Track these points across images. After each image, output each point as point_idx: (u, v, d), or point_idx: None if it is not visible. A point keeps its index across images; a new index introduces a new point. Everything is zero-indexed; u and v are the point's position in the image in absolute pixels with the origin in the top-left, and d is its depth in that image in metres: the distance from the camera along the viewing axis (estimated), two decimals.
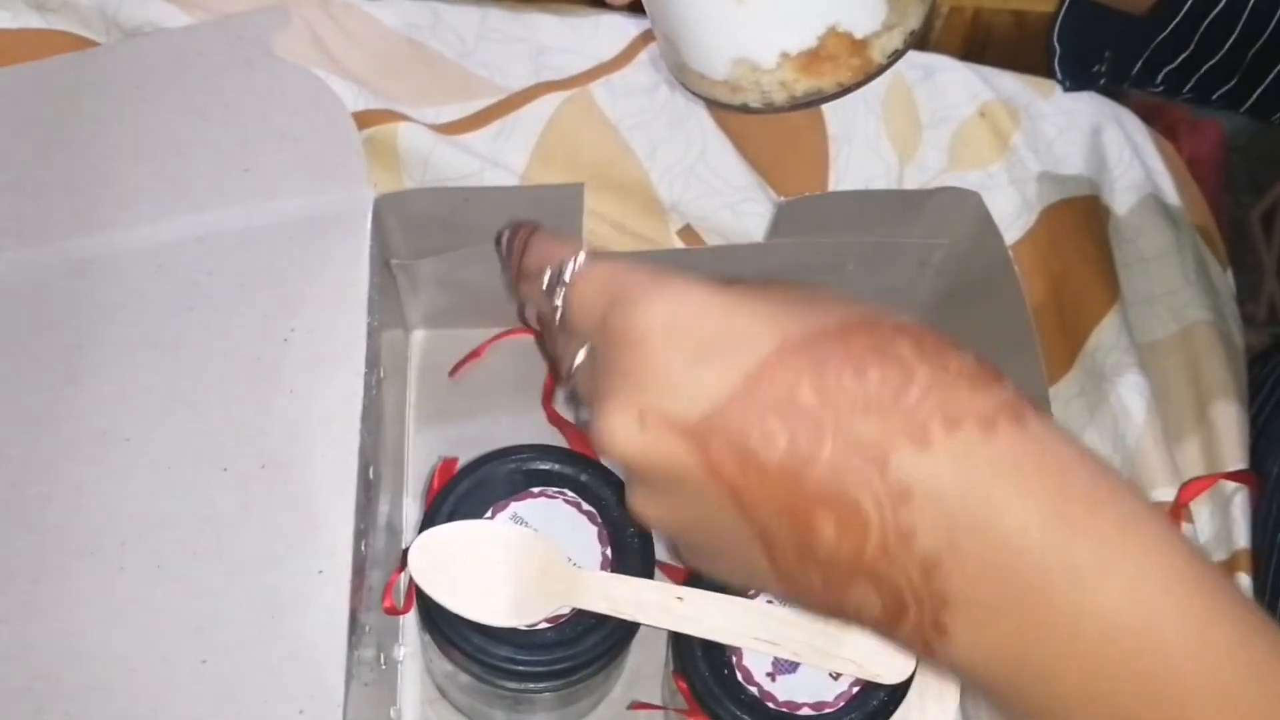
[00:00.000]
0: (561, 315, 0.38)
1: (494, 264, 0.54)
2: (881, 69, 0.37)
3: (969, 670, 0.33)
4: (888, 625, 0.33)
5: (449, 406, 0.58)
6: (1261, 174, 1.22)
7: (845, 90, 0.37)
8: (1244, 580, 0.54)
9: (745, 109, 0.39)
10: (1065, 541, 0.30)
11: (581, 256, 0.38)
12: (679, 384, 0.33)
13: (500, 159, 0.60)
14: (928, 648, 0.33)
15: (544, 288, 0.38)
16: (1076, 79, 0.64)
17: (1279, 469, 0.55)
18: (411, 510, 0.56)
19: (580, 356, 0.38)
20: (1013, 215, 0.62)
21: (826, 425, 0.31)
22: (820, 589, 0.33)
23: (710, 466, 0.33)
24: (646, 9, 0.40)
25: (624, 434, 0.34)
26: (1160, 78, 0.59)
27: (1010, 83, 0.65)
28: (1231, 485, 0.55)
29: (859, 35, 0.36)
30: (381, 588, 0.49)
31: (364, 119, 0.59)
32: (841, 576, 0.33)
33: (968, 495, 0.31)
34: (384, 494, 0.51)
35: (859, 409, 0.31)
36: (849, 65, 0.37)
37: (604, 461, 0.48)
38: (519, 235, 0.43)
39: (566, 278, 0.38)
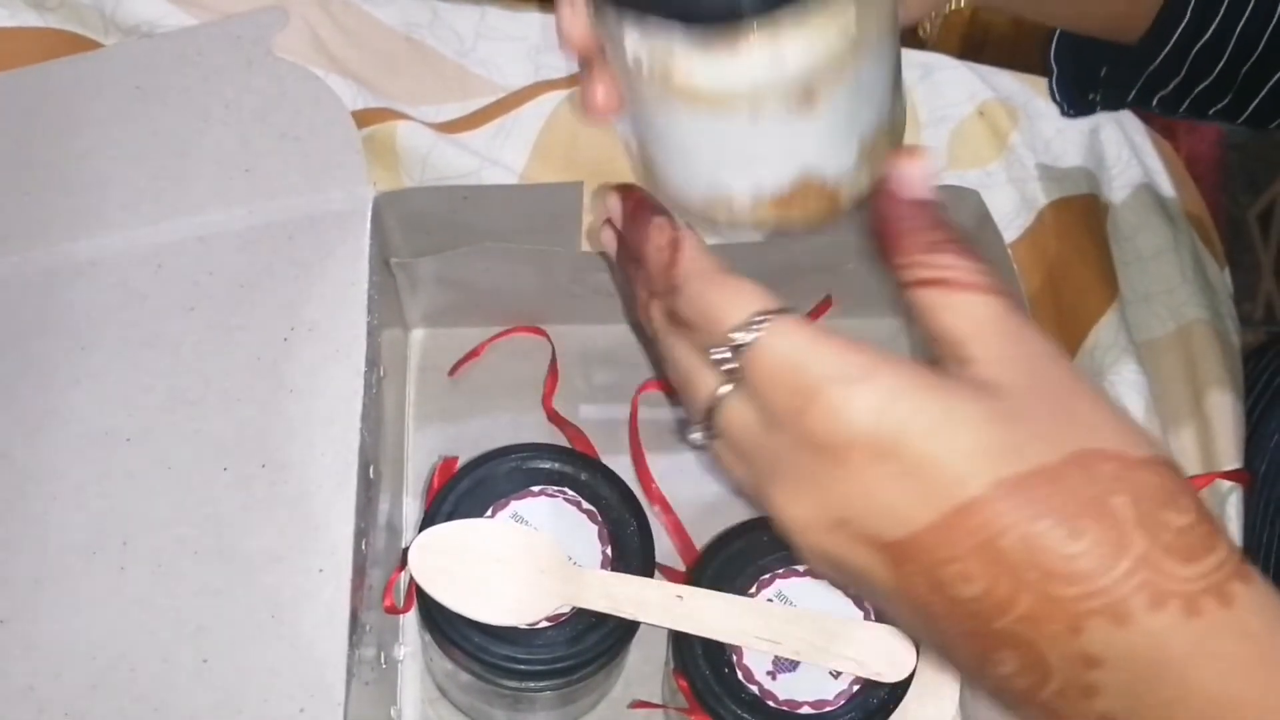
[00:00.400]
0: (732, 385, 0.35)
1: (492, 263, 0.54)
2: (850, 210, 0.38)
3: None
4: None
5: (448, 406, 0.58)
6: (1259, 173, 1.22)
7: (813, 228, 0.39)
8: None
9: (713, 225, 0.40)
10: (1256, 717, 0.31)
11: (763, 328, 0.33)
12: (882, 504, 0.32)
13: (499, 158, 0.60)
14: None
15: (709, 350, 0.35)
16: (1074, 105, 0.64)
17: (1265, 466, 0.55)
18: (411, 510, 0.56)
19: (739, 410, 0.35)
20: (1011, 213, 0.62)
21: (1026, 581, 0.31)
22: (989, 692, 0.34)
23: (901, 583, 0.33)
24: (624, 125, 0.39)
25: (815, 535, 0.34)
26: (1155, 101, 0.59)
27: (1008, 81, 0.65)
28: (1227, 485, 0.55)
29: (830, 181, 0.37)
30: (382, 587, 0.49)
31: (363, 118, 0.59)
32: (1014, 700, 0.33)
33: (1161, 674, 0.31)
34: (384, 493, 0.51)
35: (1062, 574, 0.31)
36: (819, 207, 0.38)
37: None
38: (656, 237, 0.38)
39: (745, 345, 0.34)
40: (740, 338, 0.34)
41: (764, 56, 0.33)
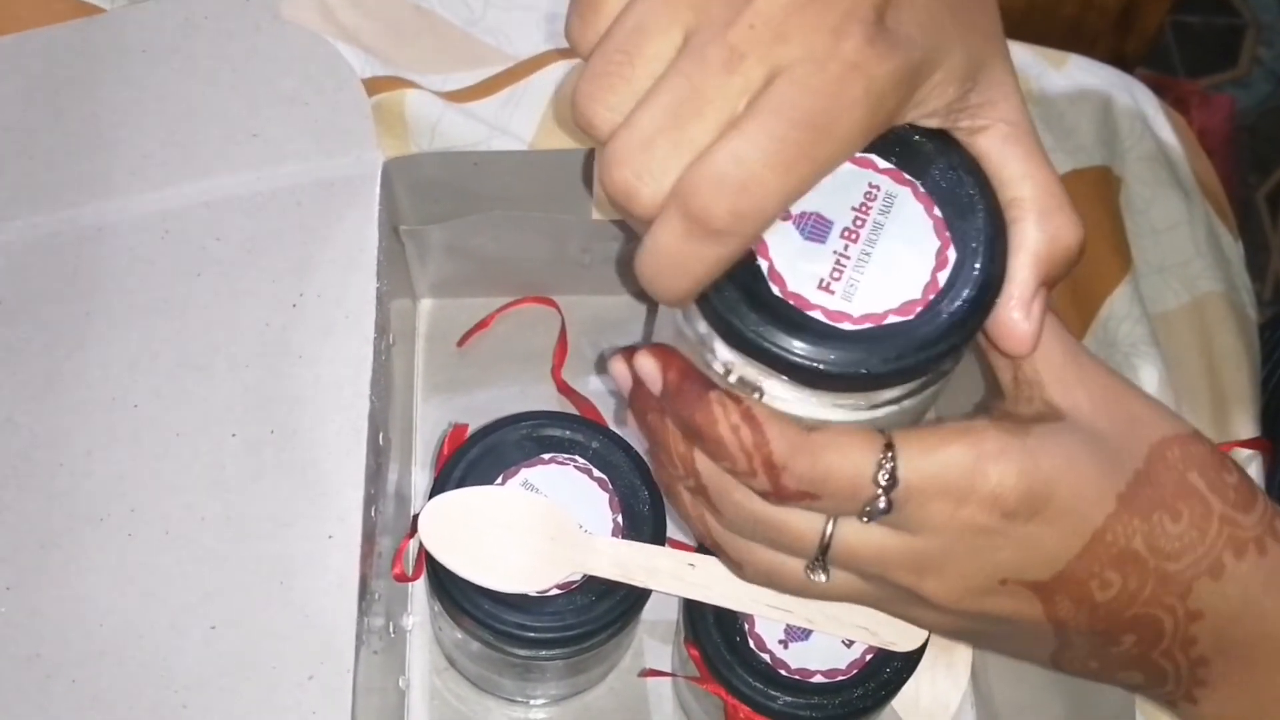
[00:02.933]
0: (884, 516, 0.35)
1: (502, 231, 0.53)
2: None
3: None
4: (1138, 690, 0.40)
5: (457, 376, 0.58)
6: (1269, 154, 1.22)
7: None
8: None
9: None
10: None
11: (897, 464, 0.34)
12: (1037, 554, 0.36)
13: (508, 126, 0.59)
14: (1173, 708, 0.40)
15: (858, 506, 0.35)
16: None
17: None
18: (420, 479, 0.56)
19: (867, 536, 0.36)
20: None
21: (1150, 570, 0.36)
22: (1090, 672, 0.39)
23: (1049, 611, 0.37)
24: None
25: (971, 602, 0.37)
26: None
27: (1021, 53, 0.64)
28: (1246, 453, 0.55)
29: None
30: (391, 555, 0.49)
31: (371, 86, 0.58)
32: (1119, 667, 0.38)
33: (1244, 611, 0.37)
34: (393, 461, 0.51)
35: (1174, 551, 0.36)
36: None
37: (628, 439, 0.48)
38: (725, 415, 0.35)
39: (896, 481, 0.34)
40: (885, 482, 0.34)
41: (857, 407, 0.35)
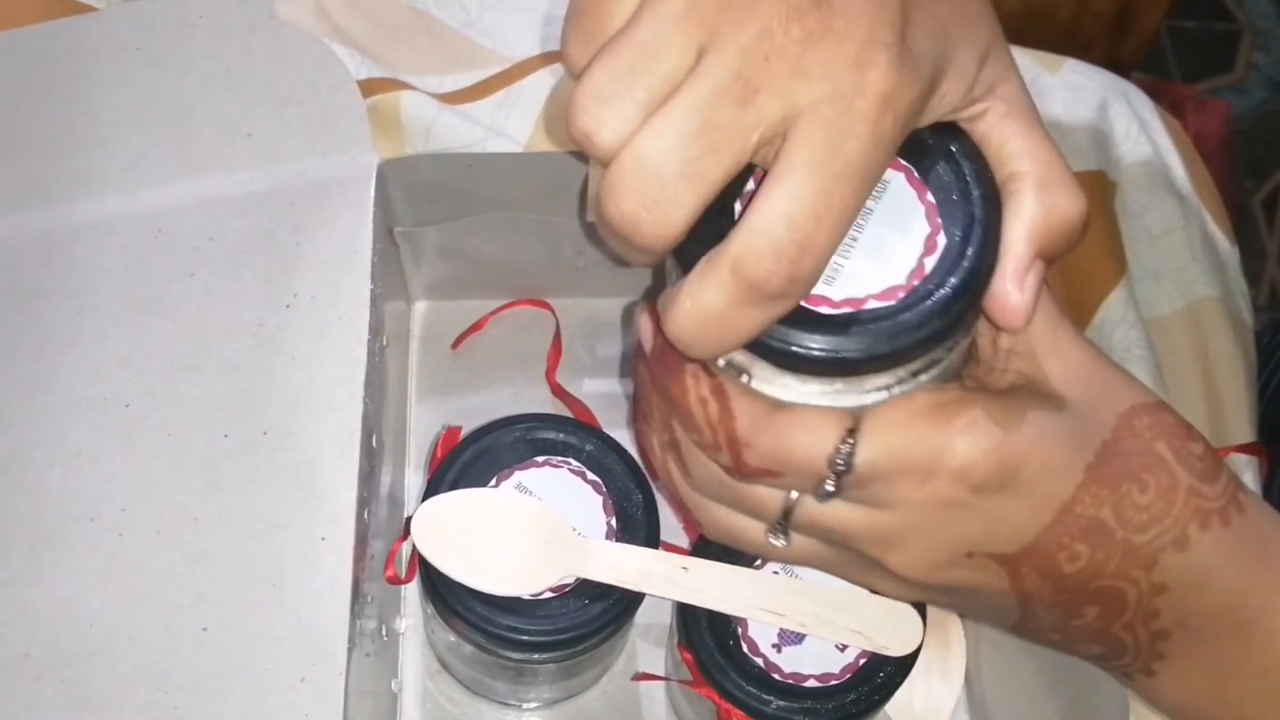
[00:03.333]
0: (837, 489, 0.35)
1: (497, 234, 0.53)
2: None
3: (1170, 700, 0.39)
4: (1095, 661, 0.39)
5: (451, 379, 0.58)
6: (1265, 159, 1.22)
7: None
8: None
9: None
10: (1265, 602, 0.37)
11: (859, 444, 0.34)
12: (1004, 526, 0.35)
13: (504, 129, 0.59)
14: (1129, 680, 0.40)
15: (817, 483, 0.35)
16: None
17: None
18: (413, 482, 0.55)
19: (831, 509, 0.36)
20: None
21: (1118, 541, 0.36)
22: (1050, 643, 0.39)
23: (1015, 583, 0.36)
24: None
25: (937, 574, 0.37)
26: None
27: (1017, 57, 0.64)
28: (1243, 459, 0.55)
29: None
30: (383, 557, 0.48)
31: (366, 87, 0.58)
32: (1079, 639, 0.38)
33: (1207, 583, 0.36)
34: (386, 464, 0.51)
35: (1142, 523, 0.36)
36: None
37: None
38: (695, 387, 0.35)
39: (851, 465, 0.34)
40: (843, 465, 0.34)
41: (846, 393, 0.35)
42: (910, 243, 0.34)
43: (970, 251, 0.33)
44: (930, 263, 0.34)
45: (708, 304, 0.31)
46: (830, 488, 0.34)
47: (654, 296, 0.36)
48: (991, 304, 0.35)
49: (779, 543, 0.38)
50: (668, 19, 0.30)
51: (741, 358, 0.34)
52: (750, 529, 0.38)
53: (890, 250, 0.34)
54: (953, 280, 0.33)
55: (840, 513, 0.36)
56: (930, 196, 0.34)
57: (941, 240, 0.34)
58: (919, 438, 0.34)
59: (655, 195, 0.30)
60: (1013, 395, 0.35)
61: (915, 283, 0.33)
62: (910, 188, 0.34)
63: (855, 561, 0.38)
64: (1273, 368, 0.60)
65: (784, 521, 0.37)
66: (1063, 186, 0.34)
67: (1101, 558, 0.36)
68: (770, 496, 0.36)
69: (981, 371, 0.37)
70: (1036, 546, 0.35)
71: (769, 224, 0.30)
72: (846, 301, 0.33)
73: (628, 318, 0.59)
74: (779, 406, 0.35)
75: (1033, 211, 0.34)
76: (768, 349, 0.33)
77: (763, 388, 0.35)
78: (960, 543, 0.36)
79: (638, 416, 0.40)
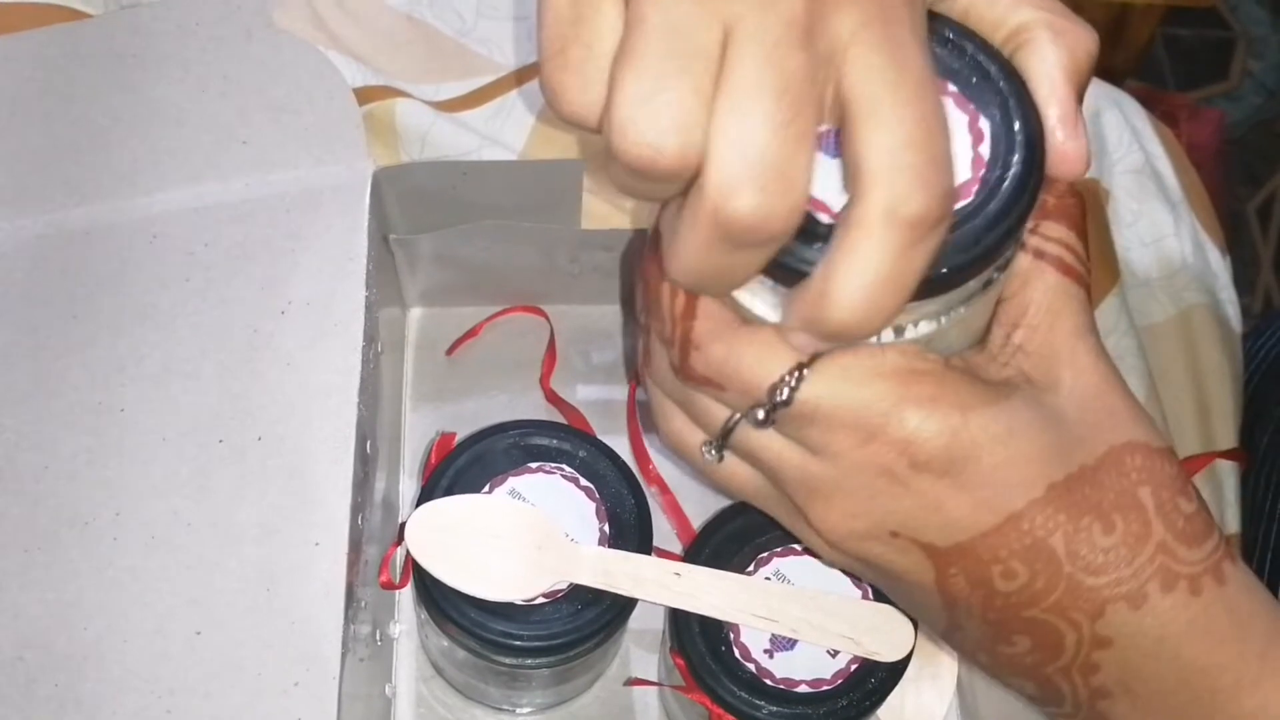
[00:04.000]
0: (777, 426, 0.33)
1: (491, 241, 0.54)
2: None
3: None
4: (1032, 703, 0.37)
5: (446, 385, 0.58)
6: (1258, 167, 1.22)
7: None
8: None
9: None
10: (1233, 682, 0.34)
11: (807, 378, 0.32)
12: (940, 517, 0.33)
13: (499, 137, 0.60)
14: None
15: (751, 407, 0.33)
16: None
17: (1269, 438, 0.55)
18: (408, 487, 0.56)
19: (769, 440, 0.34)
20: None
21: (1063, 575, 0.33)
22: (981, 665, 0.37)
23: (941, 582, 0.34)
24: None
25: (857, 545, 0.35)
26: None
27: None
28: (1225, 465, 0.56)
29: None
30: (378, 562, 0.49)
31: (362, 95, 0.59)
32: (1011, 671, 0.36)
33: (1159, 651, 0.34)
34: (381, 469, 0.51)
35: (1095, 565, 0.33)
36: None
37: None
38: (661, 297, 0.34)
39: (789, 401, 0.32)
40: (783, 397, 0.32)
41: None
42: (958, 136, 0.32)
43: (1017, 125, 0.32)
44: (984, 151, 0.32)
45: (886, 251, 0.28)
46: (761, 415, 0.32)
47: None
48: (1049, 159, 0.32)
49: (710, 457, 0.36)
50: (683, 6, 0.27)
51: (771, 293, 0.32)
52: (690, 439, 0.36)
53: None
54: (1017, 158, 0.31)
55: (774, 444, 0.34)
56: (952, 86, 0.33)
57: (985, 125, 0.32)
58: (873, 396, 0.32)
59: (771, 178, 0.27)
60: (997, 389, 0.33)
61: (981, 173, 0.32)
62: None
63: (782, 503, 0.36)
64: (1253, 369, 0.60)
65: (722, 439, 0.35)
66: (1069, 20, 0.33)
67: (1041, 587, 0.33)
68: (715, 408, 0.34)
69: (982, 359, 0.35)
70: (969, 549, 0.33)
71: (893, 159, 0.28)
72: None
73: (623, 324, 0.59)
74: (747, 321, 0.33)
75: (1057, 55, 0.32)
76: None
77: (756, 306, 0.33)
78: (886, 517, 0.34)
79: (639, 290, 0.37)
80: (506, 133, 0.61)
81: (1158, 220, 0.62)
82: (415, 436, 0.57)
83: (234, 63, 0.51)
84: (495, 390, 0.58)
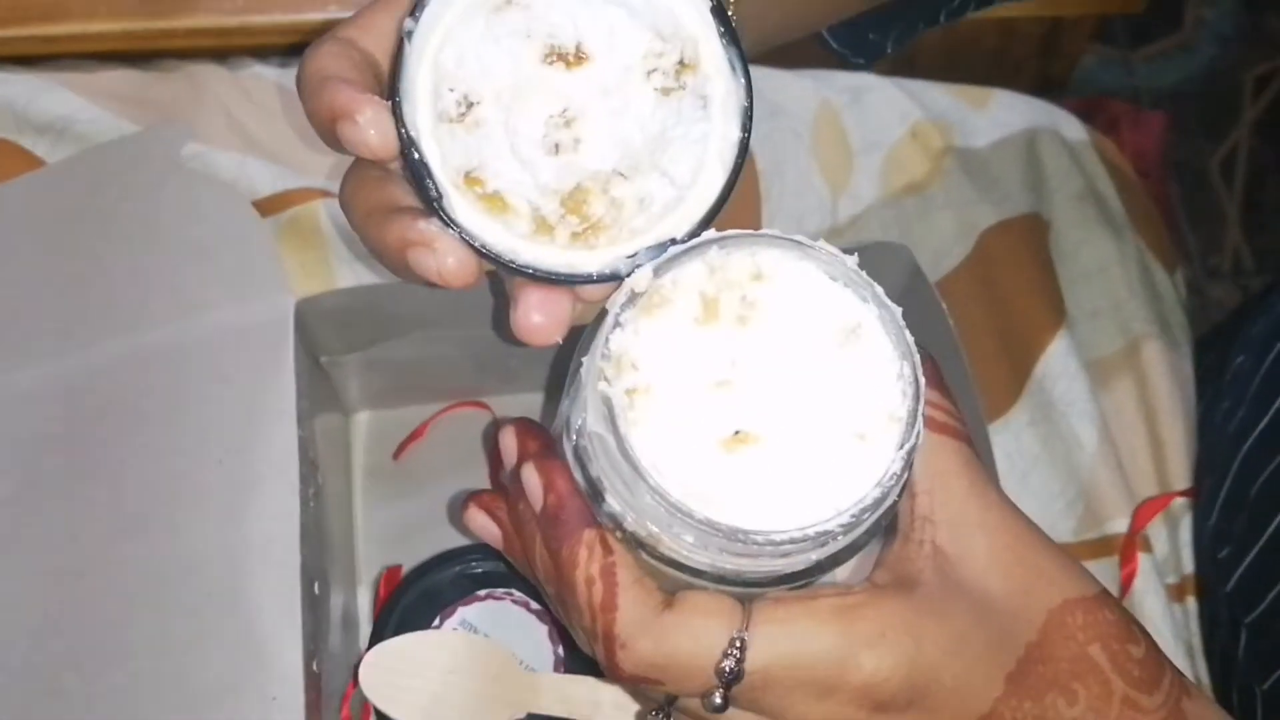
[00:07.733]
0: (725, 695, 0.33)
1: (426, 349, 0.53)
2: None
3: None
4: None
5: (396, 488, 0.57)
6: (1219, 119, 1.20)
7: None
8: (1192, 604, 0.55)
9: None
10: None
11: (748, 653, 0.32)
12: None
13: None
14: None
15: (704, 694, 0.32)
16: (858, 50, 0.60)
17: (1210, 453, 0.55)
18: (365, 600, 0.56)
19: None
20: (950, 241, 0.61)
21: None
22: None
23: None
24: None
25: None
26: (943, 14, 0.57)
27: (940, 97, 0.64)
28: (1180, 503, 0.55)
29: None
30: (340, 696, 0.49)
31: (284, 200, 0.58)
32: None
33: None
34: (336, 592, 0.51)
35: None
36: None
37: None
38: (587, 562, 0.33)
39: (741, 674, 0.32)
40: (732, 673, 0.32)
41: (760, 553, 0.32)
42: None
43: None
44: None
45: None
46: (719, 700, 0.32)
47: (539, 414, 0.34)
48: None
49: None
50: None
51: (644, 529, 0.31)
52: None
53: None
54: None
55: (727, 714, 0.33)
56: None
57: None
58: (821, 647, 0.31)
59: None
60: (928, 596, 0.33)
61: None
62: None
63: None
64: (1210, 395, 0.59)
65: (667, 707, 0.35)
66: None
67: None
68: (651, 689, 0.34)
69: (898, 545, 0.34)
70: None
71: None
72: None
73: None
74: (668, 605, 0.32)
75: None
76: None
77: (668, 552, 0.32)
78: None
79: (513, 541, 0.36)
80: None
81: (1101, 248, 0.61)
82: (370, 546, 0.56)
83: (150, 209, 0.51)
84: (447, 487, 0.57)
